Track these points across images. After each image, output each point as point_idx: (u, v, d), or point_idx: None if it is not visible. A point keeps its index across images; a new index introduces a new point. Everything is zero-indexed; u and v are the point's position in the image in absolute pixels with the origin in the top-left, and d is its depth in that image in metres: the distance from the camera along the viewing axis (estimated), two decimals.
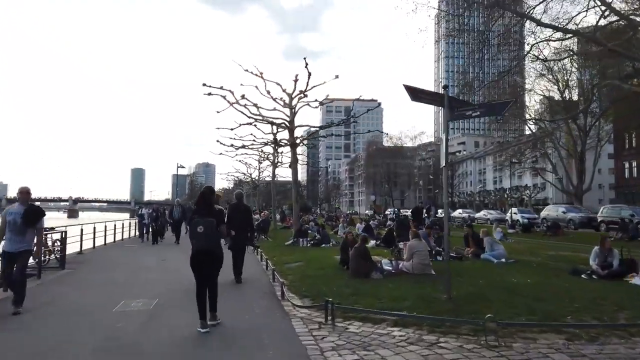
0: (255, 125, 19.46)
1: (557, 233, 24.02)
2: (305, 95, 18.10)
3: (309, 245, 17.20)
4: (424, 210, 18.15)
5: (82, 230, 16.35)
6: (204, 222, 5.50)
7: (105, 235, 19.14)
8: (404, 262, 9.51)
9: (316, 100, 18.77)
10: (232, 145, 19.62)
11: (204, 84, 18.02)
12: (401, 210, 51.81)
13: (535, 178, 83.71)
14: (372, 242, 16.38)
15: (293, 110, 18.58)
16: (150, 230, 18.46)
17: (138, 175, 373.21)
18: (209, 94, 18.00)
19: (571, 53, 28.56)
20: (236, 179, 48.47)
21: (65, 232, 12.52)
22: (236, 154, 28.04)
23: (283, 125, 18.87)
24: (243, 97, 18.54)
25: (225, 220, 6.86)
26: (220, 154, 27.92)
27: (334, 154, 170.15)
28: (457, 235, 17.66)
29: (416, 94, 6.90)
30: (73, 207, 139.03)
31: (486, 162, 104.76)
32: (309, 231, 19.04)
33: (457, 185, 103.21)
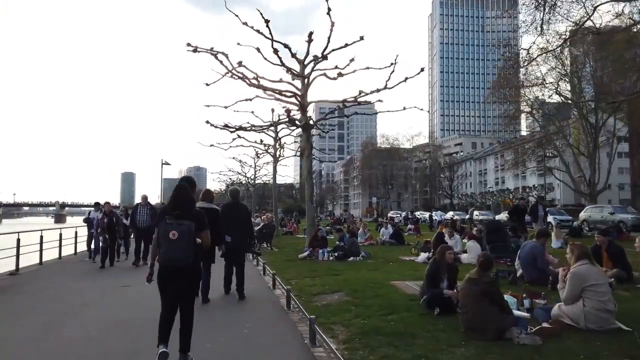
0: (255, 99, 14.88)
1: (621, 237, 19.74)
2: (325, 58, 13.62)
3: (331, 258, 12.77)
4: (528, 210, 13.23)
5: (18, 241, 11.77)
6: (179, 227, 4.06)
7: (60, 247, 14.52)
8: (560, 307, 5.03)
9: (336, 68, 14.33)
10: (225, 127, 15.14)
11: (189, 44, 13.58)
12: (414, 213, 47.09)
13: (541, 178, 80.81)
14: (422, 256, 11.94)
15: (306, 81, 14.13)
16: (100, 244, 11.80)
17: (128, 180, 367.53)
18: (195, 50, 13.51)
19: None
20: (229, 179, 43.81)
21: None
22: (230, 146, 23.63)
23: (293, 103, 14.37)
24: (240, 64, 14.08)
25: (216, 222, 6.63)
26: (211, 145, 23.49)
27: (328, 156, 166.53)
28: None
29: None
30: (61, 211, 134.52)
31: (487, 162, 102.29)
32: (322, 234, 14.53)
33: (456, 186, 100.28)
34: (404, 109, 15.84)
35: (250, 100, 15.16)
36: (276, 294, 8.05)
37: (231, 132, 15.94)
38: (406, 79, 14.15)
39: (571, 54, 34.06)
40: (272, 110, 21.68)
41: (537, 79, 44.40)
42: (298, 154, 28.21)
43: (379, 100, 16.02)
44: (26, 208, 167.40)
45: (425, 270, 6.30)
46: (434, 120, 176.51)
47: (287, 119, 14.69)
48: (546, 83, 45.07)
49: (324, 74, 14.78)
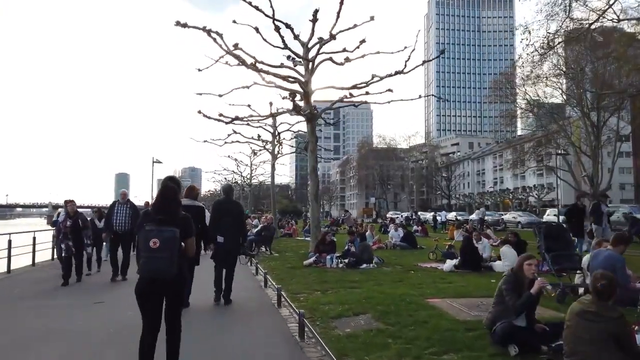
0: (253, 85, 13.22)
1: None
2: (333, 38, 11.99)
3: (341, 265, 11.18)
4: (590, 210, 11.31)
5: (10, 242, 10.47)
6: (161, 234, 3.52)
7: (34, 252, 12.79)
8: None
9: (344, 50, 12.69)
10: (220, 117, 13.46)
11: (178, 22, 11.90)
12: (417, 213, 45.37)
13: (541, 178, 79.88)
14: (449, 263, 10.35)
15: (311, 66, 12.50)
16: (63, 254, 9.17)
17: (122, 180, 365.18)
18: (184, 25, 11.84)
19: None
20: (224, 179, 42.05)
21: None
22: (224, 142, 21.94)
23: (295, 90, 12.74)
24: (236, 46, 12.43)
25: (202, 222, 6.54)
26: (205, 141, 21.76)
27: (324, 156, 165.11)
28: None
29: None
30: (53, 212, 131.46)
31: (485, 162, 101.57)
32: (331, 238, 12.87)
33: (454, 187, 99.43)
34: (420, 97, 14.31)
35: (248, 87, 13.52)
36: (282, 314, 6.45)
37: (226, 123, 14.29)
38: (424, 62, 12.59)
39: (572, 52, 32.96)
40: (270, 104, 20.01)
41: (537, 77, 43.75)
42: (298, 150, 26.60)
43: (389, 90, 14.43)
44: (19, 209, 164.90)
45: (498, 286, 4.67)
46: (430, 120, 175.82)
47: (291, 108, 12.95)
48: (547, 80, 44.37)
49: (330, 59, 13.17)
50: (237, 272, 7.60)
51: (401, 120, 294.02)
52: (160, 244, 3.50)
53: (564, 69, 38.34)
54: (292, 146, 27.62)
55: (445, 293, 7.15)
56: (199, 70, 13.35)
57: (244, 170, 34.36)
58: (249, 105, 17.80)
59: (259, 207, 59.68)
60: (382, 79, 12.77)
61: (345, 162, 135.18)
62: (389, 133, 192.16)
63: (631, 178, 57.86)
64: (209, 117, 13.76)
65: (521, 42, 21.33)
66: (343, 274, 10.11)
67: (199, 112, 13.85)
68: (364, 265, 11.06)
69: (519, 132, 77.57)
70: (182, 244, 3.67)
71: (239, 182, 38.31)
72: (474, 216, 35.93)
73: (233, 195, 7.87)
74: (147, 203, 12.90)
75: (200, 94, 14.12)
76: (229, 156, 39.86)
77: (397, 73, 12.41)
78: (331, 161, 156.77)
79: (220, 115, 13.72)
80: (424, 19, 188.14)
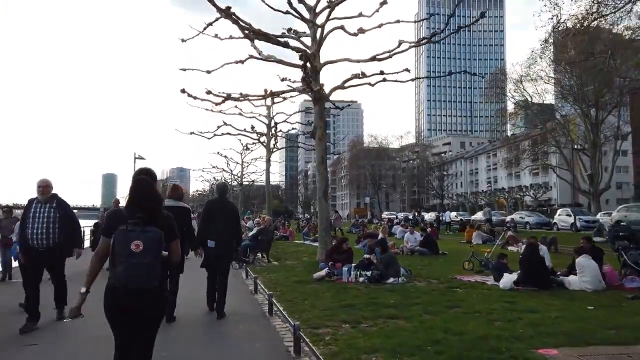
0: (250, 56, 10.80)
1: None
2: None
3: (361, 279, 8.86)
4: None
5: None
6: (144, 234, 2.94)
7: None
8: None
9: (360, 15, 10.38)
10: (208, 95, 11.02)
11: None
12: (420, 213, 42.85)
13: (536, 177, 78.82)
14: (506, 279, 8.04)
15: (320, 32, 10.19)
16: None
17: (110, 181, 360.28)
18: None
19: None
20: (213, 178, 39.50)
21: None
22: (214, 134, 19.41)
23: (298, 65, 10.38)
24: (229, 9, 10.02)
25: (188, 224, 6.28)
26: (192, 133, 19.11)
27: (314, 156, 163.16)
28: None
29: None
30: None
31: (478, 162, 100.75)
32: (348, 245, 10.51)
33: (446, 186, 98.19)
34: (447, 74, 12.01)
35: (242, 62, 11.11)
36: None
37: (216, 104, 11.86)
38: (459, 27, 10.31)
39: (571, 46, 31.45)
40: (265, 92, 17.57)
41: (536, 74, 42.55)
42: (296, 143, 24.25)
43: (406, 70, 12.17)
44: None
45: None
46: (421, 120, 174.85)
47: (293, 86, 10.58)
48: (547, 77, 43.08)
49: (342, 27, 10.85)
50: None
51: (391, 120, 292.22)
52: (143, 246, 2.92)
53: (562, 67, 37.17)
54: (289, 139, 25.22)
55: (549, 333, 4.84)
56: (183, 40, 10.93)
57: (235, 168, 31.85)
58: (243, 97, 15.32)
59: (249, 208, 57.14)
60: (411, 45, 10.46)
61: (336, 162, 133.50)
62: (381, 132, 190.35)
63: (628, 177, 56.71)
64: (195, 97, 11.36)
65: (551, 19, 19.22)
66: (368, 292, 7.80)
67: (183, 91, 11.37)
68: (391, 280, 8.76)
69: (508, 132, 76.59)
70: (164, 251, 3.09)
71: (229, 180, 35.76)
72: (479, 216, 33.86)
73: (227, 195, 7.16)
74: (116, 202, 10.41)
75: (185, 70, 11.68)
76: (218, 153, 37.31)
77: (425, 40, 10.10)
78: None
79: (209, 93, 11.30)
80: (414, 18, 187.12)
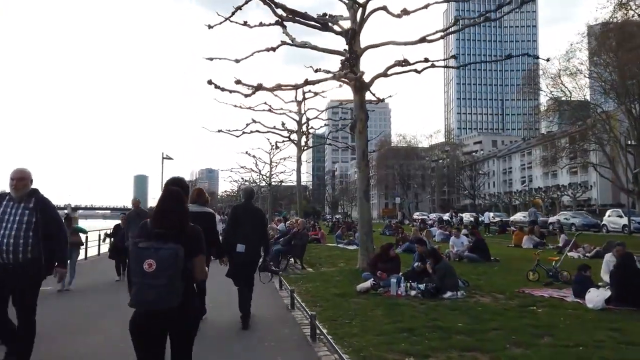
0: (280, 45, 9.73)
1: None
2: None
3: (413, 293, 7.66)
4: None
5: None
6: (157, 253, 2.74)
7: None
8: None
9: None
10: (237, 86, 10.03)
11: None
12: (458, 214, 40.96)
13: (574, 176, 75.53)
14: (598, 296, 6.71)
15: (361, 12, 9.05)
16: None
17: (141, 182, 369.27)
18: None
19: None
20: (241, 179, 38.79)
21: None
22: (242, 132, 18.48)
23: (337, 52, 9.25)
24: None
25: (213, 231, 5.87)
26: (220, 131, 18.20)
27: (341, 156, 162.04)
28: None
29: None
30: (72, 214, 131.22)
31: (512, 161, 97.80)
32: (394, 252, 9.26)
33: (478, 186, 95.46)
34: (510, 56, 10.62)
35: (274, 50, 10.06)
36: None
37: (246, 95, 10.88)
38: (522, 3, 8.98)
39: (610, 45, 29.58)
40: (295, 87, 16.53)
41: (575, 67, 40.51)
42: (325, 141, 23.18)
43: (453, 57, 10.93)
44: None
45: None
46: (450, 118, 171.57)
47: (329, 76, 9.42)
48: (587, 71, 40.93)
49: (384, 7, 9.67)
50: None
51: (420, 119, 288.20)
52: (156, 266, 2.73)
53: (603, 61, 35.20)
54: (319, 135, 24.12)
55: None
56: (210, 27, 10.00)
57: (263, 168, 31.00)
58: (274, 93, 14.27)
59: (277, 209, 56.33)
60: (467, 24, 9.20)
61: None
62: (410, 132, 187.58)
63: None
64: (223, 89, 10.39)
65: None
66: (427, 310, 6.60)
67: (210, 82, 10.44)
68: (449, 294, 7.53)
69: (543, 130, 73.65)
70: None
71: (257, 181, 34.97)
72: (521, 217, 32.00)
73: (254, 199, 6.94)
74: (136, 202, 9.38)
75: (212, 59, 10.74)
76: (247, 152, 36.33)
77: (483, 18, 8.81)
78: (349, 161, 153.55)
79: (238, 82, 10.28)
80: (442, 16, 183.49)
